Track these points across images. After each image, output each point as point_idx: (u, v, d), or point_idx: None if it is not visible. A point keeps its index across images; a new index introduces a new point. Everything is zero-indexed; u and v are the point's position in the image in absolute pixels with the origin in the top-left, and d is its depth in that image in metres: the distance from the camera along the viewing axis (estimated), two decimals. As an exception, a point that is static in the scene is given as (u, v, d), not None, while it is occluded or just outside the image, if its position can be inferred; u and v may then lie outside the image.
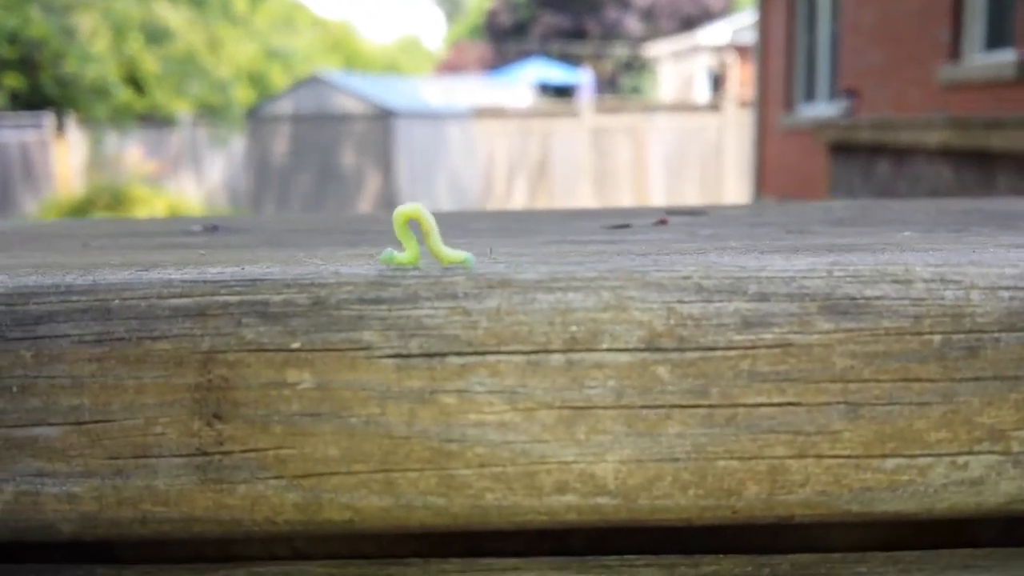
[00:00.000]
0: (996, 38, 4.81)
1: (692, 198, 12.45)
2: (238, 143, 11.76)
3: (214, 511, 0.39)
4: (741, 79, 15.90)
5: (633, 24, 22.75)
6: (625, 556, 0.43)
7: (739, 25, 16.29)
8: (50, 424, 0.38)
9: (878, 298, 0.39)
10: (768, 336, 0.38)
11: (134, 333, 0.38)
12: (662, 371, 0.38)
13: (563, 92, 20.27)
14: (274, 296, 0.38)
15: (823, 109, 7.13)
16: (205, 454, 0.38)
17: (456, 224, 0.76)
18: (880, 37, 6.02)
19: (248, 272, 0.40)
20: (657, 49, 19.28)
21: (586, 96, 16.71)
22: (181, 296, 0.38)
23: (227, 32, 11.56)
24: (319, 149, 11.53)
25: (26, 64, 10.77)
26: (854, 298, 0.38)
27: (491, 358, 0.38)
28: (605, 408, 0.39)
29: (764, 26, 8.51)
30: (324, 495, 0.39)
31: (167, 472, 0.38)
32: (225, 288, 0.39)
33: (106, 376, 0.38)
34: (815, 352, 0.38)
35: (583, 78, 18.28)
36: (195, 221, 0.85)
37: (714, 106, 12.80)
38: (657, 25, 22.63)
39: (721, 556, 0.43)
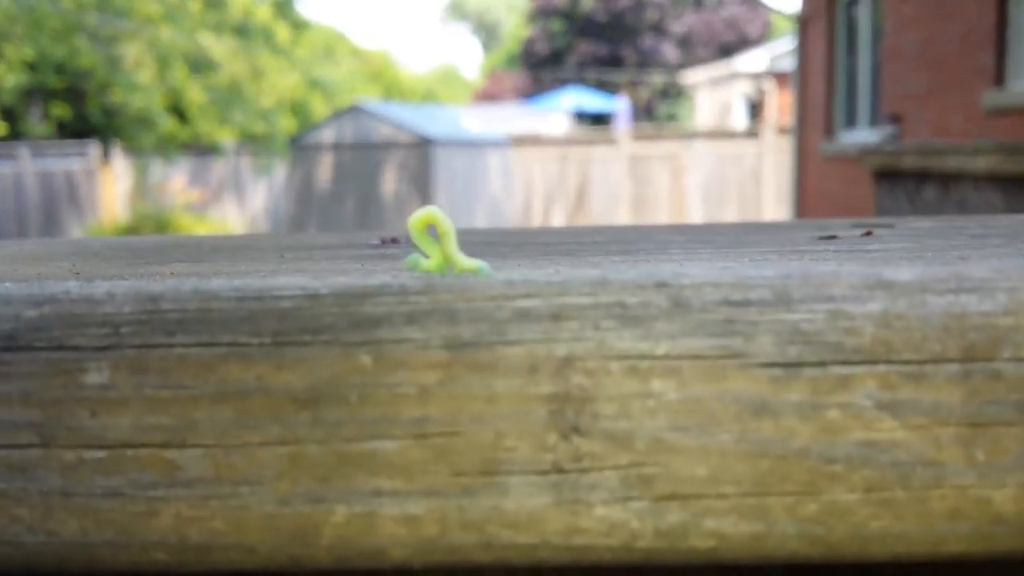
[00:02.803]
0: None
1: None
2: (279, 171, 11.89)
3: (566, 536, 0.35)
4: (778, 106, 15.84)
5: (670, 52, 22.80)
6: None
7: (776, 52, 16.27)
8: (391, 437, 0.34)
9: None
10: None
11: (484, 337, 0.34)
12: (1079, 383, 0.34)
13: (599, 120, 20.32)
14: (630, 298, 0.35)
15: (864, 135, 7.06)
16: (561, 471, 0.34)
17: (640, 237, 0.72)
18: (922, 62, 5.96)
19: (596, 272, 0.36)
20: (694, 76, 19.28)
21: (622, 123, 16.73)
22: (529, 297, 0.35)
23: (269, 62, 11.73)
24: (360, 177, 11.62)
25: (73, 94, 10.99)
26: None
27: (881, 367, 0.34)
28: (1007, 426, 0.34)
29: (803, 53, 8.47)
30: (689, 520, 0.35)
31: (518, 491, 0.34)
32: (575, 289, 0.35)
33: (454, 384, 0.34)
34: None
35: (619, 106, 18.32)
36: (368, 235, 0.82)
37: (752, 133, 12.74)
38: (693, 52, 22.68)
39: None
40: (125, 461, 0.34)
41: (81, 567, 0.35)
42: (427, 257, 0.41)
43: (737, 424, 0.34)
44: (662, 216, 12.52)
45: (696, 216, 12.45)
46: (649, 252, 0.58)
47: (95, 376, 0.34)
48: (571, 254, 0.58)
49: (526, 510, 0.35)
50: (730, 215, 12.42)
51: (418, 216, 0.41)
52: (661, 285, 0.35)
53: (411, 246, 0.73)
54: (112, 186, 11.81)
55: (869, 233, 0.74)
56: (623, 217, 12.55)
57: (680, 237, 0.72)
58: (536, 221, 12.75)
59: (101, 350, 0.34)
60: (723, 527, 0.35)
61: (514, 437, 0.34)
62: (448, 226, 0.40)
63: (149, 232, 10.56)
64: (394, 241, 0.75)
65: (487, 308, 0.35)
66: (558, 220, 12.78)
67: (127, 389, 0.34)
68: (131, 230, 10.52)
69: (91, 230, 11.09)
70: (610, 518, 0.35)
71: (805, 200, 8.62)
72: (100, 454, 0.34)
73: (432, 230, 0.41)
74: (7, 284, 0.36)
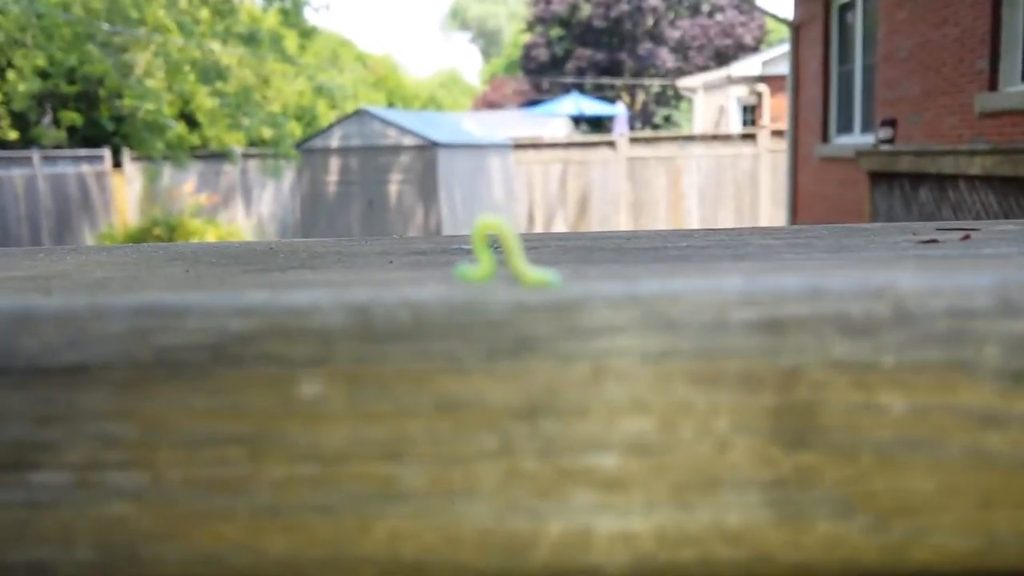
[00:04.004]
0: None
1: (727, 226, 12.45)
2: (287, 176, 11.89)
3: (786, 552, 0.34)
4: (773, 109, 15.86)
5: (666, 57, 22.84)
6: None
7: (770, 57, 16.30)
8: (608, 451, 0.34)
9: None
10: None
11: (703, 348, 0.33)
12: None
13: (598, 124, 20.35)
14: (851, 307, 0.34)
15: (858, 138, 7.08)
16: (783, 486, 0.34)
17: (733, 241, 0.71)
18: (916, 66, 5.99)
19: (808, 280, 0.35)
20: (690, 82, 19.32)
21: (621, 128, 16.75)
22: (747, 305, 0.34)
23: (277, 69, 11.73)
24: (366, 181, 11.63)
25: (84, 100, 11.00)
26: None
27: (1114, 378, 0.33)
28: None
29: (797, 57, 8.50)
30: (912, 535, 0.34)
31: (739, 507, 0.34)
32: (792, 298, 0.34)
33: (673, 396, 0.33)
34: None
35: (618, 110, 18.35)
36: (450, 240, 0.81)
37: (748, 136, 12.76)
38: (690, 58, 22.72)
39: None
40: (338, 476, 0.34)
41: (286, 585, 0.35)
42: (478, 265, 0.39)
43: (965, 437, 0.34)
44: (661, 218, 12.53)
45: (694, 217, 12.46)
46: (761, 257, 0.57)
47: (308, 389, 0.33)
48: (685, 259, 0.57)
49: (747, 525, 0.34)
50: (727, 216, 12.43)
51: (484, 223, 0.39)
52: (879, 294, 0.34)
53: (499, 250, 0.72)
54: (123, 191, 11.81)
55: (967, 237, 0.74)
56: (623, 219, 12.56)
57: (775, 241, 0.71)
58: (538, 221, 12.78)
59: (313, 363, 0.33)
60: (946, 542, 0.34)
61: (736, 451, 0.34)
62: (511, 235, 0.38)
63: (159, 237, 10.56)
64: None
65: (705, 318, 0.34)
66: (560, 221, 12.80)
67: (341, 402, 0.33)
68: (141, 234, 10.52)
69: (103, 234, 11.09)
70: (833, 533, 0.34)
71: (800, 202, 8.64)
72: (313, 469, 0.34)
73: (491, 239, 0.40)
74: (200, 294, 0.35)
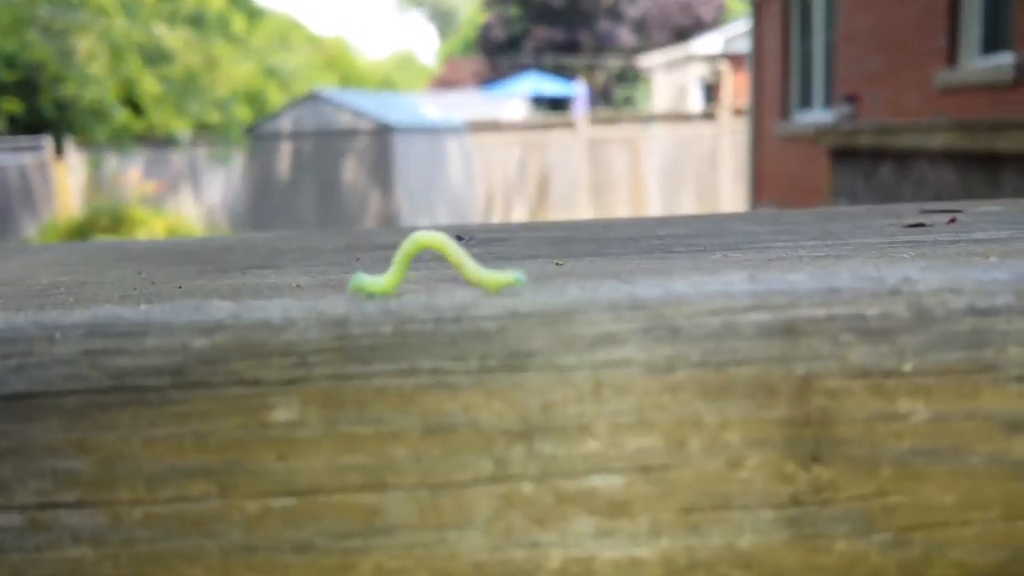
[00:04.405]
0: (992, 42, 4.85)
1: (688, 206, 12.52)
2: (237, 162, 11.67)
3: (802, 573, 0.32)
4: (734, 88, 15.99)
5: (625, 36, 22.86)
6: None
7: (731, 35, 16.41)
8: (612, 471, 0.31)
9: None
10: None
11: (711, 356, 0.31)
12: None
13: (558, 104, 20.32)
14: (868, 308, 0.32)
15: (820, 116, 7.16)
16: (799, 504, 0.31)
17: (717, 229, 0.69)
18: (876, 44, 6.06)
19: (822, 279, 0.33)
20: (650, 60, 19.35)
21: (580, 108, 16.76)
22: (757, 309, 0.31)
23: (224, 51, 11.48)
24: (319, 167, 11.46)
25: (24, 87, 10.65)
26: None
27: None
28: None
29: (758, 35, 8.55)
30: (933, 551, 0.32)
31: (752, 527, 0.31)
32: (806, 299, 0.32)
33: (681, 410, 0.31)
34: None
35: (577, 90, 18.33)
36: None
37: (709, 115, 12.85)
38: (649, 36, 22.77)
39: None
40: (317, 509, 0.31)
41: (263, 627, 0.31)
42: (377, 276, 0.35)
43: (988, 444, 0.32)
44: (622, 199, 12.57)
45: (655, 198, 12.54)
46: (749, 246, 0.55)
47: (282, 413, 0.30)
48: (669, 251, 0.55)
49: (760, 548, 0.31)
50: (688, 196, 12.52)
51: (415, 239, 0.35)
52: (896, 293, 0.32)
53: (471, 244, 0.69)
54: (66, 180, 11.49)
55: (953, 220, 0.73)
56: (584, 201, 12.58)
57: (758, 228, 0.69)
58: (498, 205, 12.72)
59: (287, 383, 0.30)
60: (968, 557, 0.32)
61: (748, 467, 0.31)
62: (454, 248, 0.35)
63: (104, 227, 10.29)
64: (459, 239, 0.71)
65: (713, 323, 0.31)
66: (520, 205, 12.77)
67: (319, 427, 0.30)
68: (86, 225, 10.25)
69: (46, 225, 10.79)
70: (851, 553, 0.32)
71: (762, 180, 8.72)
72: (288, 502, 0.30)
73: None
74: (159, 308, 0.32)
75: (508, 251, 0.60)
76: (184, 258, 0.68)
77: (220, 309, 0.32)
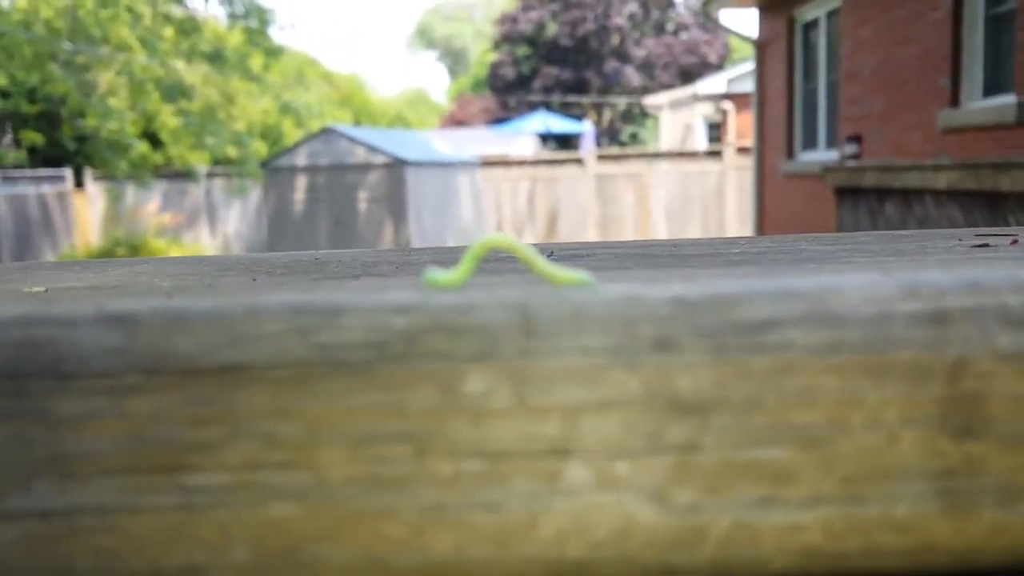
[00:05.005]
0: (994, 84, 4.92)
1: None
2: (252, 195, 11.78)
3: (950, 540, 0.34)
4: (738, 126, 16.10)
5: (632, 76, 23.11)
6: None
7: (735, 75, 16.57)
8: (777, 444, 0.34)
9: None
10: None
11: (871, 340, 0.34)
12: None
13: (565, 142, 20.50)
14: (1011, 299, 0.34)
15: (823, 155, 7.22)
16: (951, 476, 0.34)
17: (786, 248, 0.72)
18: (879, 85, 6.14)
19: (966, 274, 0.35)
20: (656, 99, 19.56)
21: (588, 145, 16.89)
22: (907, 299, 0.34)
23: (242, 87, 11.65)
24: (333, 200, 11.57)
25: (46, 120, 10.83)
26: None
27: None
28: None
29: (762, 75, 8.65)
30: (1068, 522, 0.34)
31: (907, 497, 0.34)
32: (952, 291, 0.35)
33: (842, 389, 0.34)
34: None
35: (585, 128, 18.49)
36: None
37: (714, 153, 12.95)
38: (655, 77, 23.01)
39: None
40: (505, 471, 0.33)
41: (448, 586, 0.34)
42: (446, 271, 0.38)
43: (1118, 422, 0.34)
44: (629, 234, 12.64)
45: (662, 233, 12.60)
46: (832, 261, 0.58)
47: (475, 385, 0.33)
48: (755, 263, 0.58)
49: (915, 516, 0.34)
50: (694, 231, 12.58)
51: (485, 241, 0.38)
52: (1021, 287, 0.35)
53: (553, 258, 0.72)
54: (85, 212, 11.62)
55: (1015, 242, 0.75)
56: (592, 235, 12.65)
57: (827, 247, 0.72)
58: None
59: (479, 358, 0.33)
60: (1104, 526, 0.34)
61: (905, 442, 0.34)
62: (523, 247, 0.38)
63: (124, 256, 10.39)
64: (550, 254, 0.74)
65: (870, 310, 0.34)
66: (529, 238, 12.85)
67: (508, 398, 0.33)
68: (104, 255, 10.35)
69: (65, 255, 10.89)
70: (997, 521, 0.34)
71: (766, 218, 8.77)
72: (479, 465, 0.33)
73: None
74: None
75: (593, 264, 0.63)
76: (281, 269, 0.71)
77: (409, 295, 0.35)
